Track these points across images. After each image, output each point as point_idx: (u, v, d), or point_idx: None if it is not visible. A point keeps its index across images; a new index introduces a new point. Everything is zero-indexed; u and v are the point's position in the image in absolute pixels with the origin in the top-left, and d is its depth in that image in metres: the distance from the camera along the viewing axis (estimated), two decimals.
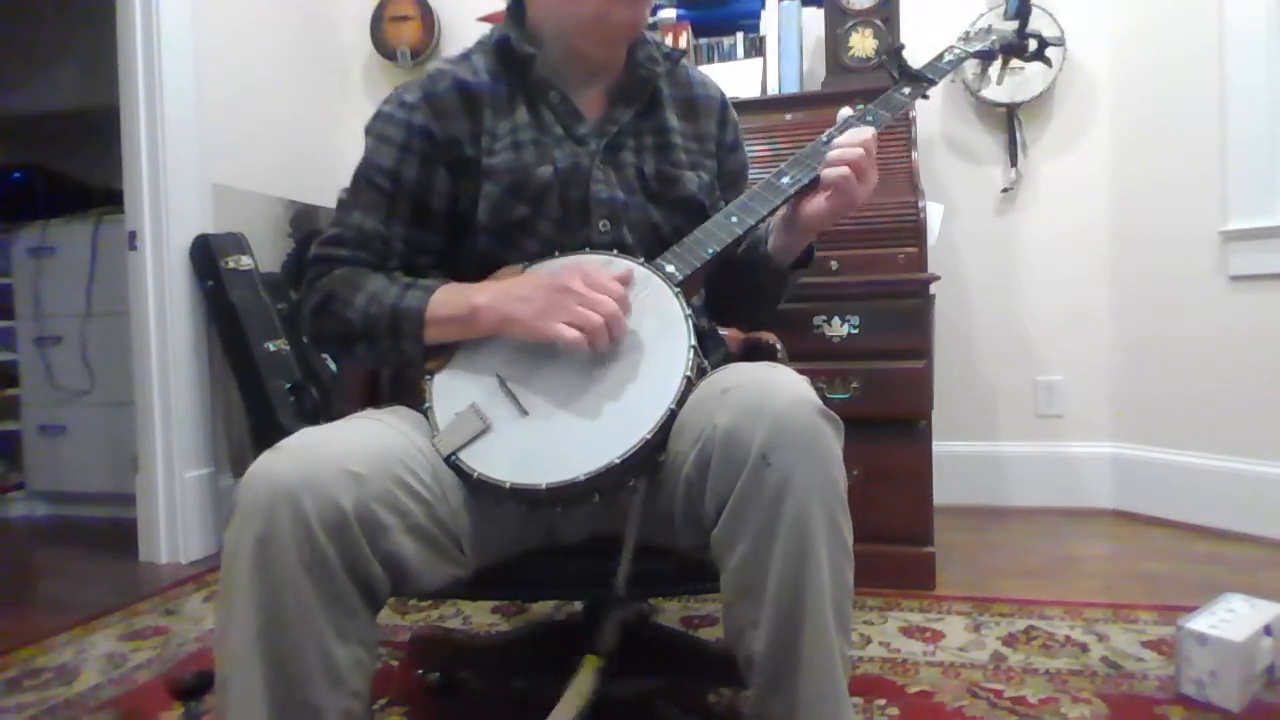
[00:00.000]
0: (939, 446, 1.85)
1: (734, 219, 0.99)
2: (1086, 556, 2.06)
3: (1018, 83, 2.40)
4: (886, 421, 1.79)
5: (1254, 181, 2.12)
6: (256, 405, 2.27)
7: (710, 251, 0.97)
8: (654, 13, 2.49)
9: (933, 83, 1.13)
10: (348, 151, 2.82)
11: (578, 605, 1.43)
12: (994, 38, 1.23)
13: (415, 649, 1.44)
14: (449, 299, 0.95)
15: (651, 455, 0.85)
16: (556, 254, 0.99)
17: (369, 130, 1.04)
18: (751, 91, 2.37)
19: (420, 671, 1.40)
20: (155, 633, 1.71)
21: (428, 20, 2.86)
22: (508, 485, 0.84)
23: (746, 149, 1.22)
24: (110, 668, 1.54)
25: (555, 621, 1.64)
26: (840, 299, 1.83)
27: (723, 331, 1.19)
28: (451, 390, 0.92)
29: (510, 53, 1.04)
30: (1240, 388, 2.16)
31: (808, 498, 0.77)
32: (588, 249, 1.00)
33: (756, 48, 2.48)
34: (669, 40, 2.43)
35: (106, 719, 1.35)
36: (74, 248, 2.75)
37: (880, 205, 1.84)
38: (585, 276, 0.88)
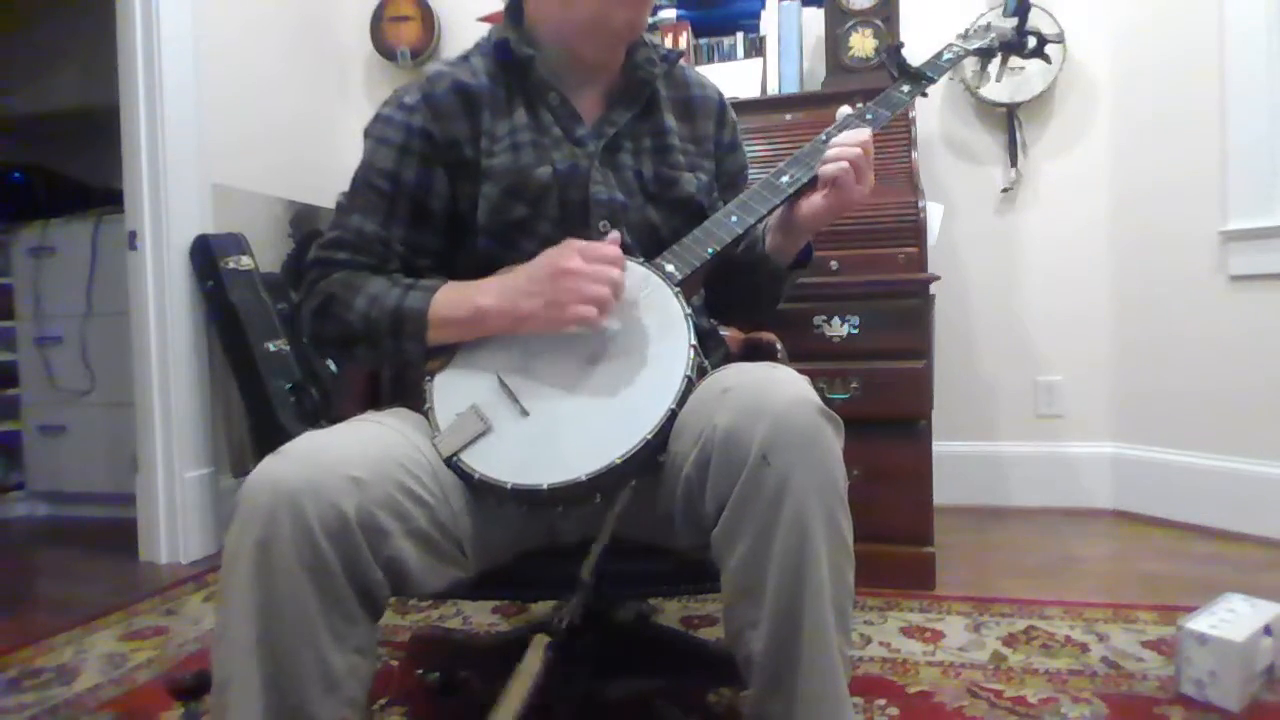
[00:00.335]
0: (939, 446, 1.85)
1: (733, 218, 0.99)
2: (1086, 556, 2.06)
3: (1018, 82, 2.40)
4: (886, 421, 1.79)
5: (1254, 181, 2.12)
6: (256, 405, 2.27)
7: (710, 251, 0.97)
8: (654, 13, 2.49)
9: (932, 81, 1.13)
10: (348, 152, 2.82)
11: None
12: (993, 35, 1.23)
13: (415, 649, 1.44)
14: (453, 300, 0.94)
15: (652, 455, 0.85)
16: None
17: (368, 133, 1.04)
18: (751, 91, 2.37)
19: (420, 671, 1.40)
20: (155, 633, 1.71)
21: (428, 20, 2.86)
22: (509, 486, 0.84)
23: (746, 149, 1.22)
24: (110, 668, 1.54)
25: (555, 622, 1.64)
26: (840, 299, 1.83)
27: (723, 331, 1.20)
28: (452, 391, 0.92)
29: (509, 55, 1.04)
30: (1240, 388, 2.16)
31: (808, 497, 0.77)
32: None
33: (756, 48, 2.48)
34: (669, 40, 2.43)
35: (106, 719, 1.35)
36: (74, 248, 2.75)
37: (880, 205, 1.84)
38: (582, 252, 0.89)
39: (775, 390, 0.80)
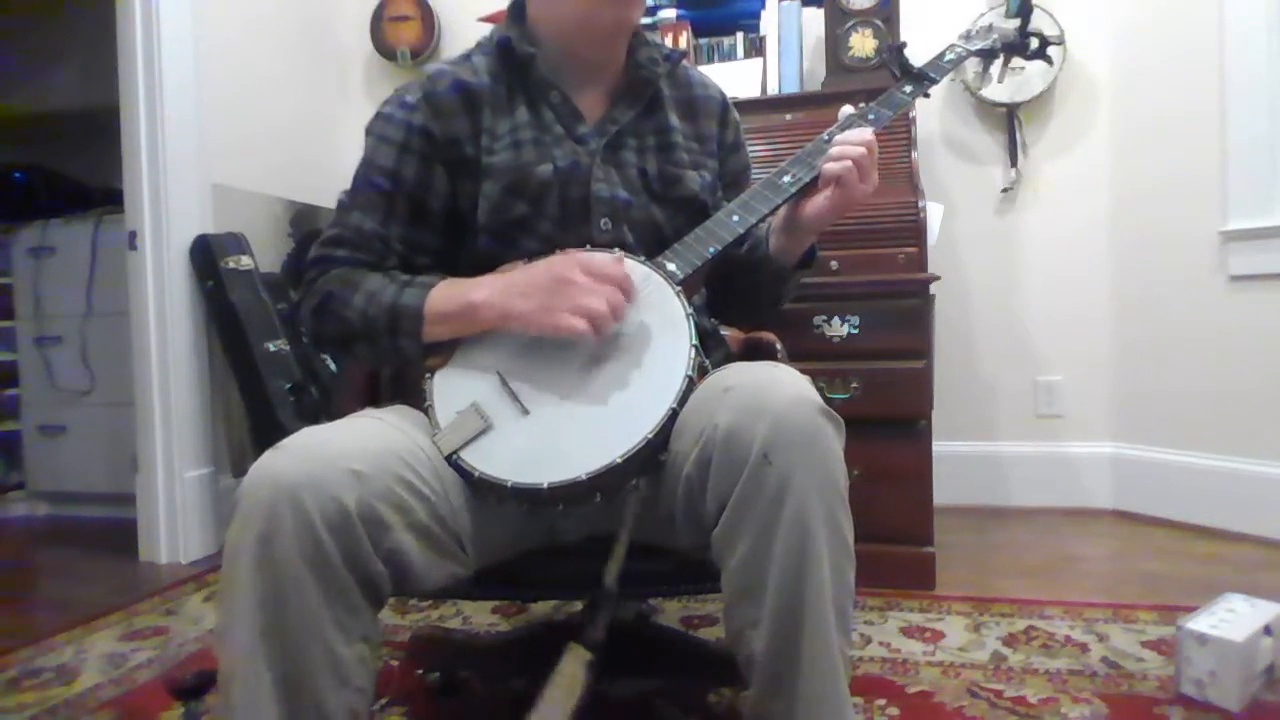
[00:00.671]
0: (939, 446, 1.85)
1: (735, 218, 0.99)
2: (1086, 556, 2.06)
3: (1018, 83, 2.40)
4: (886, 421, 1.79)
5: (1254, 181, 2.12)
6: (256, 405, 2.27)
7: (711, 251, 0.97)
8: (653, 13, 2.49)
9: (934, 81, 1.13)
10: (348, 151, 2.82)
11: (578, 605, 1.43)
12: (995, 36, 1.23)
13: (415, 649, 1.44)
14: (447, 295, 0.94)
15: (653, 454, 0.85)
16: (557, 253, 0.99)
17: (369, 131, 1.04)
18: (751, 91, 2.37)
19: (420, 671, 1.40)
20: (155, 633, 1.71)
21: (428, 20, 2.86)
22: (509, 484, 0.84)
23: (747, 149, 1.22)
24: (110, 668, 1.54)
25: (555, 621, 1.64)
26: (840, 299, 1.83)
27: (723, 331, 1.19)
28: (452, 388, 0.92)
29: (511, 53, 1.04)
30: (1240, 388, 2.16)
31: (808, 497, 0.77)
32: (589, 248, 1.00)
33: (756, 48, 2.48)
34: (669, 40, 2.43)
35: (106, 719, 1.35)
36: (74, 248, 2.75)
37: (880, 205, 1.84)
38: (584, 266, 0.88)
39: (776, 389, 0.80)
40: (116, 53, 2.24)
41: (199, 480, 2.28)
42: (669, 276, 0.94)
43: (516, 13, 1.08)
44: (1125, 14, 2.40)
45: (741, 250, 1.11)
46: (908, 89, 1.11)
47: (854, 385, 1.81)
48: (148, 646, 1.63)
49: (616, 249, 0.99)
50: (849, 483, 0.81)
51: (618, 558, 0.88)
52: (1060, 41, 2.32)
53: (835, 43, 2.28)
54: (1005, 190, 2.51)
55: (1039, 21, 2.27)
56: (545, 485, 0.82)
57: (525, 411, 0.88)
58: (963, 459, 2.50)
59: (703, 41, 2.56)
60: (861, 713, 1.27)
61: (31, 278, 2.82)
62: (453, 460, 0.86)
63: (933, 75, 1.13)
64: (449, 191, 1.02)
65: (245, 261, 2.34)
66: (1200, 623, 1.28)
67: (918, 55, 1.14)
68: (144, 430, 2.25)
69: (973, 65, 2.30)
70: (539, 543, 0.99)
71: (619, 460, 0.82)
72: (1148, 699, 1.28)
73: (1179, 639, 1.29)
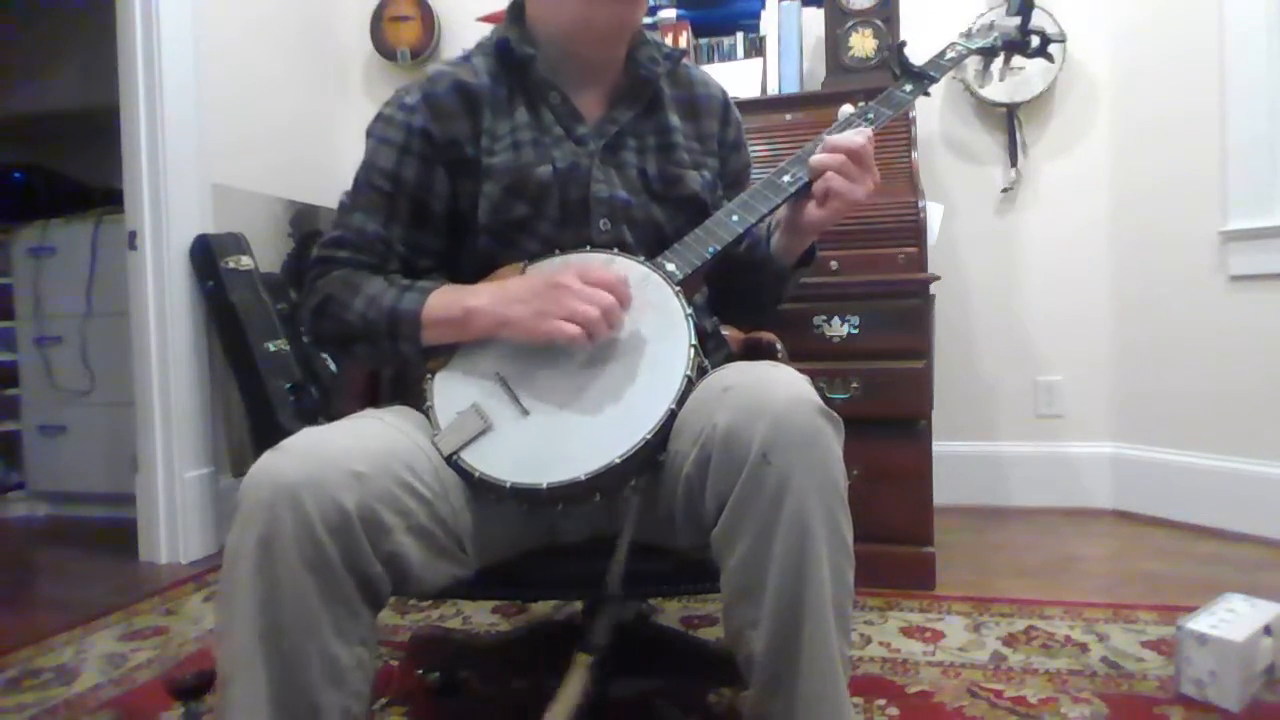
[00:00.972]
0: (939, 446, 1.85)
1: (734, 218, 0.99)
2: (1086, 556, 2.06)
3: (1018, 82, 2.39)
4: (886, 421, 1.79)
5: (1254, 181, 2.12)
6: (256, 405, 2.27)
7: (711, 250, 0.97)
8: (653, 13, 2.49)
9: (934, 80, 1.13)
10: (348, 152, 2.82)
11: (578, 605, 1.43)
12: (996, 34, 1.23)
13: (415, 649, 1.44)
14: (444, 301, 0.95)
15: (652, 454, 0.85)
16: (557, 253, 0.99)
17: (370, 133, 1.04)
18: (751, 91, 2.37)
19: (420, 671, 1.40)
20: (155, 633, 1.71)
21: (428, 20, 2.86)
22: (509, 485, 0.84)
23: (748, 148, 1.21)
24: (110, 668, 1.54)
25: (555, 621, 1.64)
26: (840, 299, 1.83)
27: (724, 331, 1.19)
28: (452, 389, 0.92)
29: (510, 54, 1.04)
30: (1240, 388, 2.16)
31: (808, 497, 0.77)
32: (588, 248, 1.00)
33: (756, 48, 2.48)
34: (669, 40, 2.42)
35: (106, 719, 1.35)
36: (74, 248, 2.75)
37: (880, 205, 1.84)
38: (581, 273, 0.88)
39: (775, 389, 0.80)
40: (116, 53, 2.24)
41: (199, 480, 2.28)
42: (668, 277, 0.94)
43: (516, 13, 1.08)
44: (1125, 14, 2.40)
45: (742, 250, 1.11)
46: (908, 88, 1.11)
47: (854, 385, 1.81)
48: (147, 646, 1.63)
49: (616, 249, 0.99)
50: (848, 483, 0.81)
51: (619, 561, 0.88)
52: (1062, 39, 2.32)
53: (835, 43, 2.28)
54: (1005, 190, 2.51)
55: (1039, 22, 2.25)
56: (545, 485, 0.82)
57: (525, 412, 0.89)
58: (963, 459, 2.50)
59: (703, 41, 2.55)
60: (861, 713, 1.27)
61: (31, 278, 2.82)
62: (453, 461, 0.87)
63: (933, 74, 1.13)
64: (450, 193, 1.02)
65: (245, 261, 2.34)
66: (1200, 623, 1.28)
67: (918, 55, 1.14)
68: (144, 430, 2.25)
69: (973, 64, 2.30)
70: (539, 543, 0.99)
71: (618, 461, 0.82)
72: (1148, 699, 1.28)
73: (1179, 639, 1.29)
